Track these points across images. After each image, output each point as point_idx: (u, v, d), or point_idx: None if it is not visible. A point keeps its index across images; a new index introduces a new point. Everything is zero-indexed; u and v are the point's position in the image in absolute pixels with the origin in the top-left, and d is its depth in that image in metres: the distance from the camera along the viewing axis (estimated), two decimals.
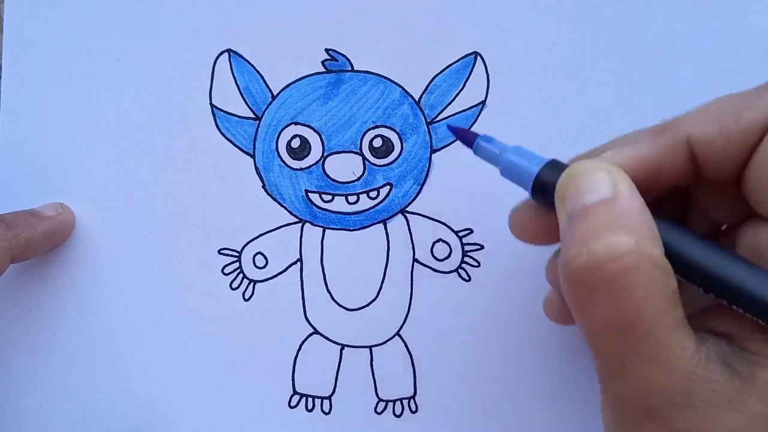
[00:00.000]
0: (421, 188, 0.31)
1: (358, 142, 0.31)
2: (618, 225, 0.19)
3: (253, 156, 0.32)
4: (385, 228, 0.31)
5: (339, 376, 0.31)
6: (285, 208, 0.31)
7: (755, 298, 0.19)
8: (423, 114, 0.31)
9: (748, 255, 0.21)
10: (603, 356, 0.20)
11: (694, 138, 0.20)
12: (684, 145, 0.21)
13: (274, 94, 0.31)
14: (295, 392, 0.31)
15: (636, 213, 0.19)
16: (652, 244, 0.19)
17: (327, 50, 0.31)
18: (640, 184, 0.20)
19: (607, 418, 0.21)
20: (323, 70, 0.31)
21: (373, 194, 0.31)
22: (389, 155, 0.31)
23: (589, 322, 0.20)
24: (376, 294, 0.31)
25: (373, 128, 0.31)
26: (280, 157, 0.31)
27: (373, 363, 0.31)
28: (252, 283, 0.31)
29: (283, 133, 0.31)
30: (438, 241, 0.31)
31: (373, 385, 0.31)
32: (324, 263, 0.31)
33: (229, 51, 0.31)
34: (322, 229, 0.31)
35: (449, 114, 0.31)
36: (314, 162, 0.31)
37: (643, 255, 0.18)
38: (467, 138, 0.25)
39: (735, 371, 0.19)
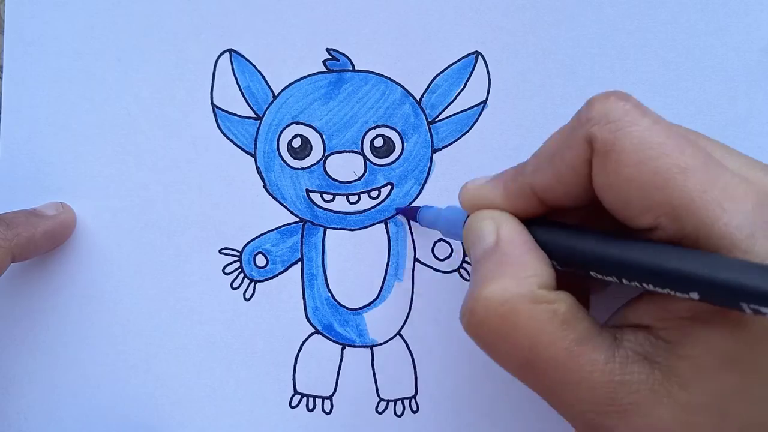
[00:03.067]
0: (422, 188, 0.31)
1: (359, 142, 0.31)
2: (498, 272, 0.21)
3: (254, 155, 0.32)
4: (386, 228, 0.31)
5: (340, 376, 0.31)
6: (286, 208, 0.31)
7: (655, 271, 0.19)
8: (424, 114, 0.31)
9: None
10: (530, 388, 0.21)
11: (538, 189, 0.22)
12: (531, 193, 0.23)
13: (275, 94, 0.31)
14: (296, 392, 0.31)
15: (516, 253, 0.22)
16: (527, 284, 0.21)
17: (328, 50, 0.31)
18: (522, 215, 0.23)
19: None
20: (324, 69, 0.31)
21: (374, 194, 0.31)
22: (390, 155, 0.31)
23: (498, 363, 0.22)
24: (377, 294, 0.31)
25: (374, 128, 0.31)
26: (281, 157, 0.31)
27: (374, 363, 0.31)
28: (253, 283, 0.31)
29: (284, 132, 0.31)
30: (439, 240, 0.31)
31: (374, 384, 0.31)
32: (325, 263, 0.31)
33: (230, 51, 0.31)
34: (323, 228, 0.31)
35: (450, 114, 0.31)
36: (315, 161, 0.31)
37: (522, 295, 0.20)
38: (411, 214, 0.30)
39: (655, 363, 0.20)
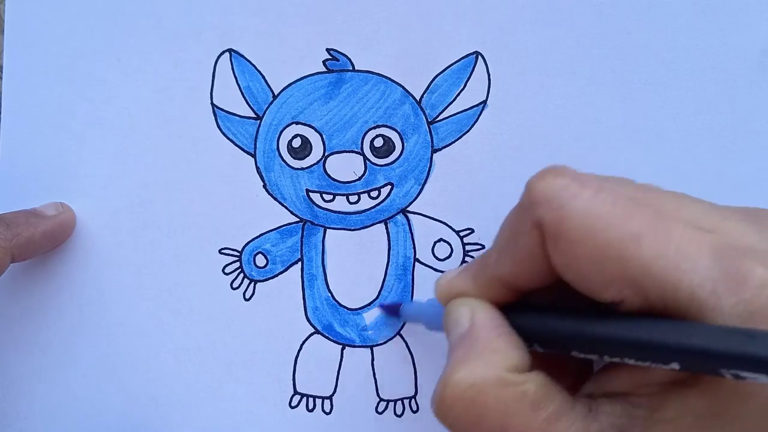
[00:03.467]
0: (422, 188, 0.31)
1: (359, 142, 0.31)
2: (469, 357, 0.21)
3: (254, 155, 0.32)
4: (386, 228, 0.31)
5: (340, 376, 0.31)
6: (286, 208, 0.31)
7: (633, 345, 0.19)
8: (424, 114, 0.31)
9: None
10: None
11: (504, 280, 0.23)
12: (498, 283, 0.23)
13: (275, 94, 0.31)
14: (295, 392, 0.31)
15: (483, 339, 0.22)
16: (495, 367, 0.21)
17: (328, 50, 0.31)
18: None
19: None
20: (324, 69, 0.31)
21: (374, 194, 0.31)
22: (390, 155, 0.31)
23: None
24: (377, 294, 0.31)
25: (374, 128, 0.31)
26: (281, 157, 0.31)
27: (374, 363, 0.31)
28: (253, 283, 0.31)
29: (284, 132, 0.31)
30: (439, 240, 0.31)
31: (374, 384, 0.31)
32: (325, 263, 0.31)
33: (230, 50, 0.31)
34: (323, 228, 0.31)
35: (450, 113, 0.31)
36: (315, 161, 0.31)
37: (486, 380, 0.20)
38: (393, 310, 0.30)
39: None
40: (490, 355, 0.21)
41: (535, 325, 0.22)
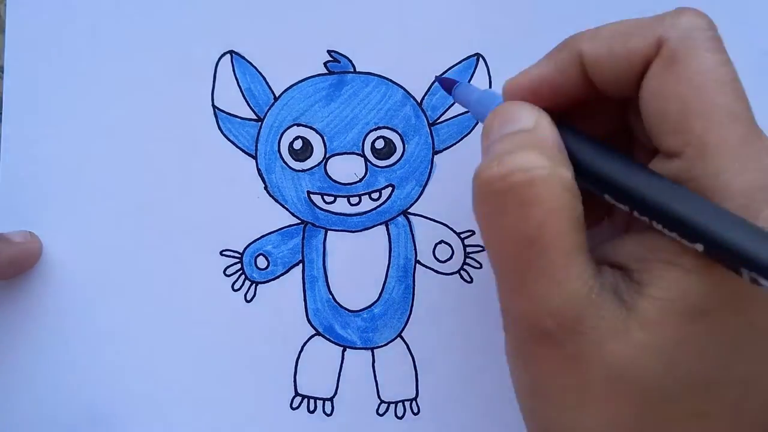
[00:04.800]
0: (423, 190, 0.31)
1: (360, 144, 0.31)
2: (533, 146, 0.20)
3: (255, 157, 0.32)
4: (387, 229, 0.31)
5: (341, 378, 0.31)
6: (287, 210, 0.31)
7: (669, 215, 0.19)
8: (425, 115, 0.31)
9: None
10: (503, 272, 0.21)
11: (586, 56, 0.21)
12: (578, 61, 0.22)
13: (276, 96, 0.31)
14: (296, 394, 0.31)
15: (553, 141, 0.20)
16: (563, 167, 0.20)
17: (329, 51, 0.31)
18: (549, 103, 0.22)
19: (507, 344, 0.22)
20: (325, 71, 0.31)
21: (375, 195, 0.31)
22: (391, 157, 0.31)
23: (494, 233, 0.20)
24: (378, 296, 0.31)
25: (375, 129, 0.31)
26: (282, 159, 0.31)
27: (375, 365, 0.31)
28: (254, 285, 0.31)
29: (285, 134, 0.31)
30: (440, 242, 0.31)
31: (375, 386, 0.31)
32: (326, 265, 0.31)
33: (231, 52, 0.31)
34: (324, 230, 0.31)
35: (451, 116, 0.31)
36: (316, 163, 0.31)
37: (552, 173, 0.19)
38: (448, 85, 0.28)
39: (622, 301, 0.19)
40: (559, 155, 0.20)
41: (584, 152, 0.21)
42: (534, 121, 0.21)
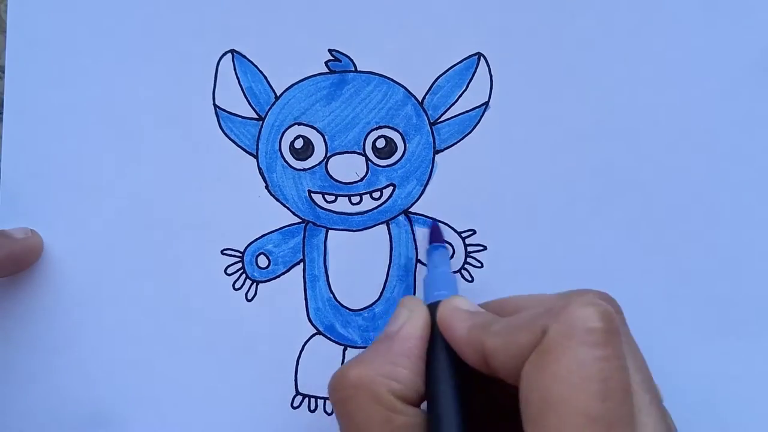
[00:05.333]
0: (424, 189, 0.31)
1: (362, 143, 0.31)
2: (370, 359, 0.23)
3: (256, 156, 0.32)
4: (388, 229, 0.31)
5: None
6: (288, 209, 0.31)
7: None
8: (426, 115, 0.31)
9: None
10: None
11: (488, 349, 0.22)
12: (484, 350, 0.22)
13: (278, 95, 0.31)
14: (297, 393, 0.31)
15: (396, 354, 0.24)
16: (382, 382, 0.23)
17: (330, 51, 0.31)
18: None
19: None
20: (326, 70, 0.31)
21: (376, 195, 0.31)
22: (392, 156, 0.31)
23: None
24: (378, 295, 0.31)
25: (377, 129, 0.31)
26: (283, 158, 0.31)
27: None
28: (255, 284, 0.31)
29: (286, 133, 0.31)
30: None
31: None
32: (327, 264, 0.31)
33: (232, 51, 0.31)
34: (325, 229, 0.31)
35: (452, 115, 0.31)
36: (317, 162, 0.31)
37: (365, 390, 0.22)
38: (434, 239, 0.30)
39: None
40: (392, 371, 0.23)
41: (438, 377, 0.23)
42: (398, 327, 0.25)
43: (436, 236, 0.30)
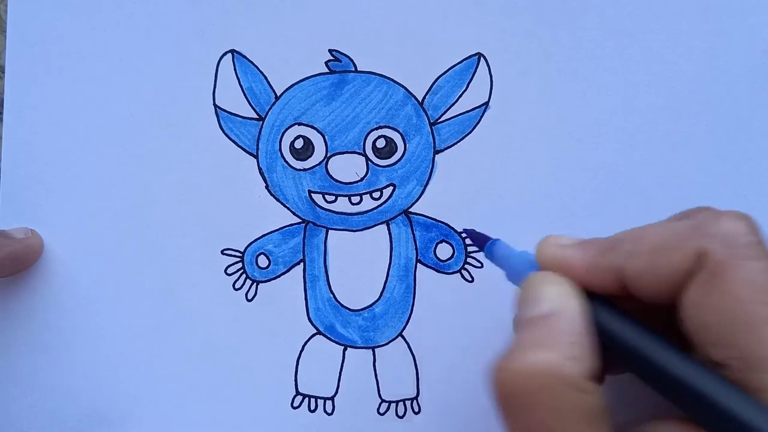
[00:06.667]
0: (424, 189, 0.31)
1: (362, 143, 0.31)
2: (545, 343, 0.20)
3: (256, 156, 0.32)
4: (388, 229, 0.31)
5: (342, 377, 0.31)
6: (288, 209, 0.31)
7: (717, 413, 0.18)
8: (426, 115, 0.31)
9: None
10: None
11: (628, 274, 0.21)
12: (618, 276, 0.21)
13: (278, 95, 0.31)
14: (297, 393, 0.31)
15: (570, 331, 0.20)
16: (572, 365, 0.19)
17: (330, 51, 0.31)
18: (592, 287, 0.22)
19: None
20: (327, 70, 0.31)
21: (376, 195, 0.31)
22: (392, 156, 0.31)
23: (508, 430, 0.20)
24: (378, 295, 0.31)
25: (377, 129, 0.31)
26: (284, 158, 0.31)
27: (376, 364, 0.31)
28: (255, 284, 0.31)
29: (286, 133, 0.31)
30: (441, 242, 0.31)
31: (375, 386, 0.31)
32: (327, 264, 0.31)
33: (232, 51, 0.31)
34: (325, 229, 0.31)
35: (452, 115, 0.31)
36: (317, 162, 0.31)
37: (557, 376, 0.19)
38: (479, 242, 0.27)
39: None
40: (573, 351, 0.20)
41: (622, 335, 0.21)
42: (555, 306, 0.21)
43: (478, 239, 0.28)
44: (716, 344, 0.19)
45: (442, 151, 0.31)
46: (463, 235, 0.30)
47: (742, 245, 0.19)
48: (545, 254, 0.23)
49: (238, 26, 0.31)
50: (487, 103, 0.31)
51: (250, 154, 0.32)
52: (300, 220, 0.31)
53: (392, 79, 0.31)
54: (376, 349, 0.31)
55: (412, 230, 0.31)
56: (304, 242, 0.31)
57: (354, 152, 0.31)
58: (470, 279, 0.31)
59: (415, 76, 0.31)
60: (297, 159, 0.31)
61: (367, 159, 0.31)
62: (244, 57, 0.31)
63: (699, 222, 0.20)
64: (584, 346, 0.20)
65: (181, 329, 0.31)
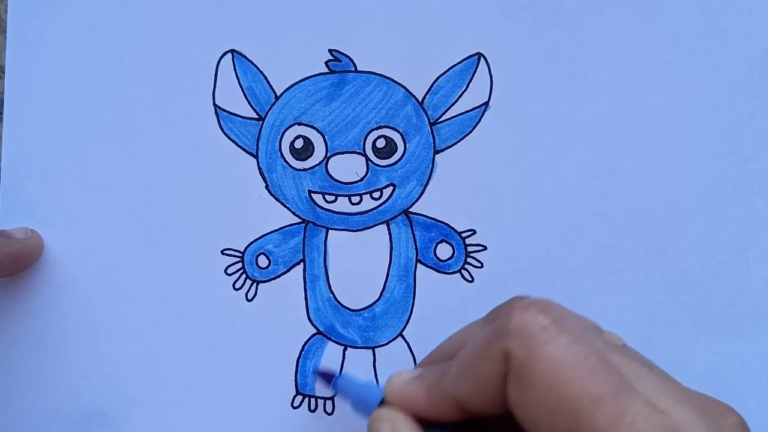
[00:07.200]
0: (424, 189, 0.31)
1: (362, 143, 0.31)
2: None
3: (256, 156, 0.32)
4: (388, 229, 0.31)
5: None
6: (288, 209, 0.31)
7: None
8: (426, 115, 0.31)
9: None
10: None
11: (459, 394, 0.22)
12: (455, 399, 0.22)
13: (278, 95, 0.31)
14: (298, 392, 0.31)
15: None
16: None
17: (330, 51, 0.31)
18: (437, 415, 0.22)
19: None
20: (326, 70, 0.31)
21: (376, 195, 0.31)
22: (392, 156, 0.31)
23: None
24: (378, 295, 0.31)
25: (377, 129, 0.31)
26: (284, 158, 0.31)
27: (376, 364, 0.31)
28: (255, 284, 0.31)
29: (286, 133, 0.31)
30: (441, 242, 0.31)
31: None
32: (327, 264, 0.31)
33: (232, 51, 0.31)
34: (325, 229, 0.31)
35: (452, 115, 0.31)
36: (317, 162, 0.31)
37: None
38: (326, 379, 0.30)
39: None
40: None
41: None
42: None
43: (326, 377, 0.30)
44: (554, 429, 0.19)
45: (442, 151, 0.31)
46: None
47: (535, 333, 0.19)
48: (390, 391, 0.24)
49: (238, 26, 0.31)
50: (487, 103, 0.31)
51: (250, 154, 0.32)
52: (300, 220, 0.31)
53: (392, 79, 0.31)
54: (376, 349, 0.31)
55: (412, 230, 0.31)
56: (304, 242, 0.31)
57: (354, 152, 0.31)
58: (470, 279, 0.31)
59: (415, 76, 0.31)
60: (297, 159, 0.31)
61: (367, 159, 0.31)
62: (244, 57, 0.31)
63: (499, 323, 0.21)
64: None
65: (181, 329, 0.31)
